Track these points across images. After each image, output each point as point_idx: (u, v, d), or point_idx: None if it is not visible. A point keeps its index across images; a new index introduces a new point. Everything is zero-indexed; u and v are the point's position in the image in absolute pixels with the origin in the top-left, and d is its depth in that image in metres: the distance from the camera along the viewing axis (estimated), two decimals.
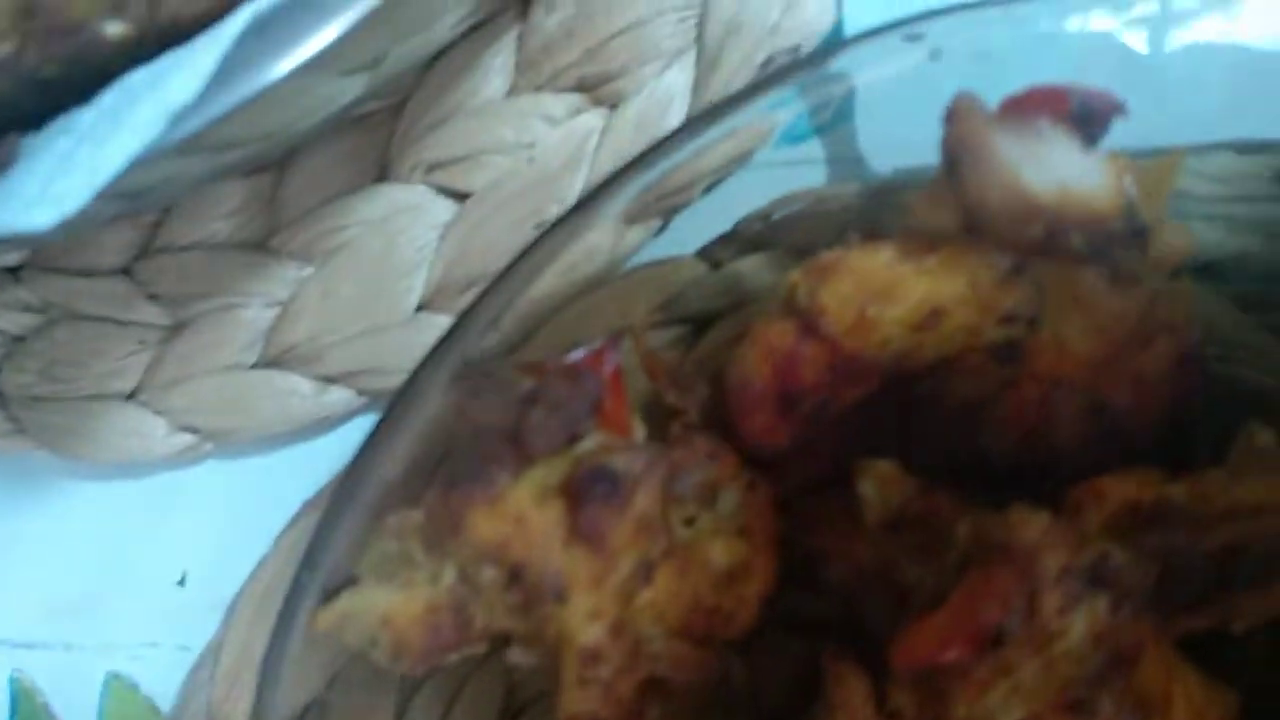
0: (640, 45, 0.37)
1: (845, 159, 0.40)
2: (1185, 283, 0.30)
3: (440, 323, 0.38)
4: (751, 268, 0.37)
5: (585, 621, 0.26)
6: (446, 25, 0.35)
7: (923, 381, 0.30)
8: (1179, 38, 0.32)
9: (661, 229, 0.39)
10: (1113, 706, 0.23)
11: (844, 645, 0.27)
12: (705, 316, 0.37)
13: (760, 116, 0.33)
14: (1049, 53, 0.30)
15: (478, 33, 0.38)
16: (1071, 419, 0.29)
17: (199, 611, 0.41)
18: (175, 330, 0.39)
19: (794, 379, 0.28)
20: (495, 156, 0.38)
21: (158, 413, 0.40)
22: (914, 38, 0.26)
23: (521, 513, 0.25)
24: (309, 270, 0.39)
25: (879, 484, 0.29)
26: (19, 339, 0.40)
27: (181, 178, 0.34)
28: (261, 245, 0.39)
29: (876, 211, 0.34)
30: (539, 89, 0.38)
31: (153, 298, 0.40)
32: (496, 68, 0.38)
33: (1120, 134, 0.28)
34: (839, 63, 0.31)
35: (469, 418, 0.26)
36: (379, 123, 0.39)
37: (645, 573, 0.26)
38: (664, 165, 0.30)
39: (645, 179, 0.30)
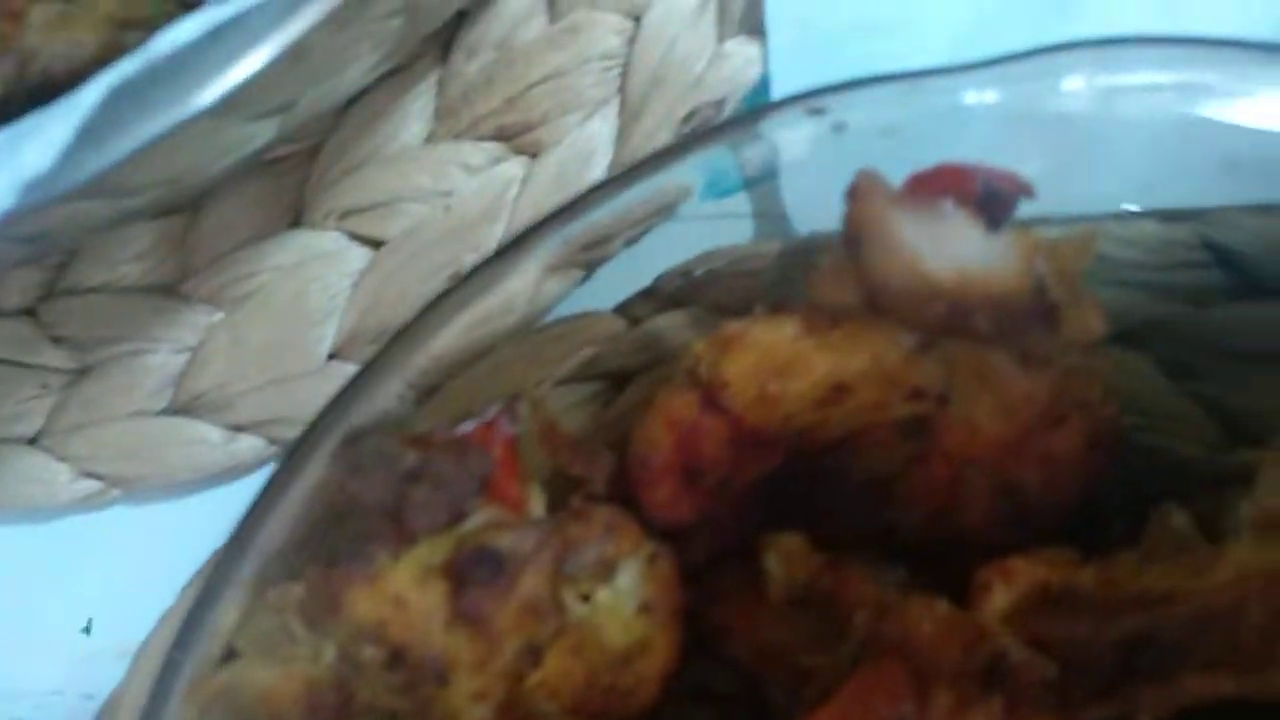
0: (562, 94, 0.37)
1: (771, 215, 0.39)
2: (1101, 358, 0.29)
3: (351, 372, 0.37)
4: (670, 325, 0.36)
5: (470, 703, 0.25)
6: (360, 70, 0.35)
7: (829, 456, 0.29)
8: (1105, 109, 0.32)
9: (584, 279, 0.38)
10: None
11: None
12: (622, 374, 0.36)
13: (682, 174, 0.32)
14: (969, 123, 0.29)
15: (395, 78, 0.37)
16: (981, 498, 0.29)
17: (105, 659, 0.40)
18: (80, 374, 0.39)
19: (696, 452, 0.28)
20: (411, 204, 0.37)
21: (61, 459, 0.39)
22: (816, 111, 0.26)
23: (401, 593, 0.24)
24: (219, 316, 0.38)
25: (784, 558, 0.28)
26: None
27: (85, 221, 0.33)
28: (171, 290, 0.38)
29: (793, 274, 0.33)
30: (458, 136, 0.37)
31: (57, 340, 0.38)
32: (415, 114, 0.37)
33: (1044, 200, 0.28)
34: (759, 126, 0.30)
35: (350, 493, 0.25)
36: (293, 167, 0.38)
37: (533, 656, 0.25)
38: (585, 220, 0.29)
39: (564, 233, 0.29)
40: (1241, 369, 0.34)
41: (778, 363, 0.27)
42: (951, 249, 0.25)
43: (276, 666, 0.25)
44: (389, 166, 0.37)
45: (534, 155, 0.37)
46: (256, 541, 0.25)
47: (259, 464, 0.39)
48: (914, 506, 0.29)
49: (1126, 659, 0.25)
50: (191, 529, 0.40)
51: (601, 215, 0.31)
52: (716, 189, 0.38)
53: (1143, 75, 0.30)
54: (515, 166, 0.37)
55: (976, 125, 0.29)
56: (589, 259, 0.36)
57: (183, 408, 0.38)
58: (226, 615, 0.26)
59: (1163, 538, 0.27)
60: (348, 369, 0.37)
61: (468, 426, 0.26)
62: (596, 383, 0.36)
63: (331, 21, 0.24)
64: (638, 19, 0.37)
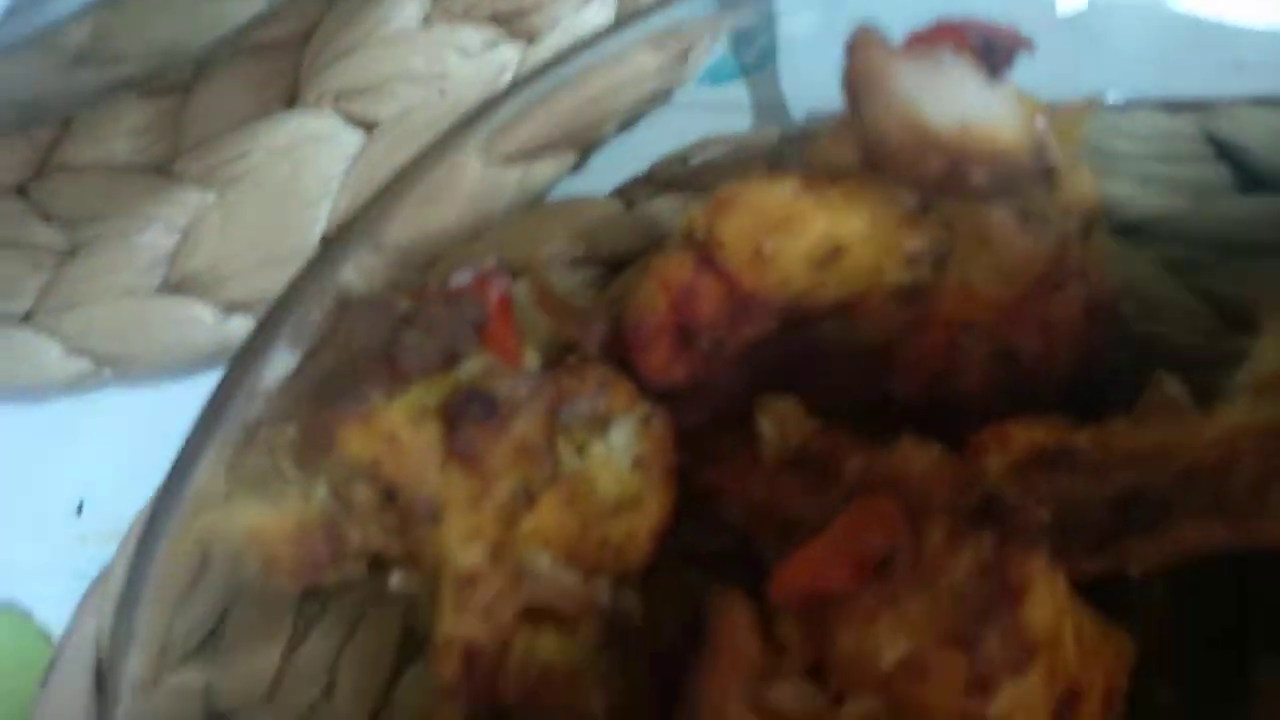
0: None
1: (770, 105, 0.39)
2: (1102, 237, 0.29)
3: None
4: (666, 209, 0.36)
5: (462, 543, 0.25)
6: None
7: (825, 323, 0.29)
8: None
9: (578, 166, 0.38)
10: (998, 643, 0.22)
11: (733, 581, 0.26)
12: (618, 258, 0.36)
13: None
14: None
15: None
16: (978, 364, 0.29)
17: (96, 540, 0.40)
18: (72, 253, 0.38)
19: (691, 313, 0.28)
20: (406, 87, 0.37)
21: (52, 337, 0.38)
22: None
23: (395, 432, 0.24)
24: (211, 196, 0.38)
25: (778, 421, 0.28)
26: None
27: (73, 91, 0.33)
28: (163, 169, 0.38)
29: (791, 159, 0.33)
30: (454, 20, 0.37)
31: (48, 218, 0.38)
32: None
33: (1048, 90, 0.27)
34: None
35: (344, 336, 0.25)
36: (287, 49, 0.37)
37: (526, 498, 0.25)
38: (562, 75, 0.29)
39: (542, 89, 0.29)
40: (1240, 261, 0.34)
41: (774, 220, 0.26)
42: (951, 100, 0.25)
43: (267, 506, 0.25)
44: (384, 49, 0.37)
45: (530, 40, 0.37)
46: (246, 383, 0.25)
47: None
48: (910, 374, 0.29)
49: (1118, 514, 0.25)
50: (184, 412, 0.40)
51: (579, 67, 0.31)
52: (714, 76, 0.38)
53: None
54: (511, 51, 0.37)
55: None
56: (584, 139, 0.36)
57: (175, 287, 0.38)
58: (209, 474, 0.26)
59: (1156, 404, 0.27)
60: None
61: (462, 279, 0.26)
62: (593, 268, 0.36)
63: None
64: None
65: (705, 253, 0.27)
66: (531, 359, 0.28)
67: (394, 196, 0.30)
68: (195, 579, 0.32)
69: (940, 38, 0.26)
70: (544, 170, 0.35)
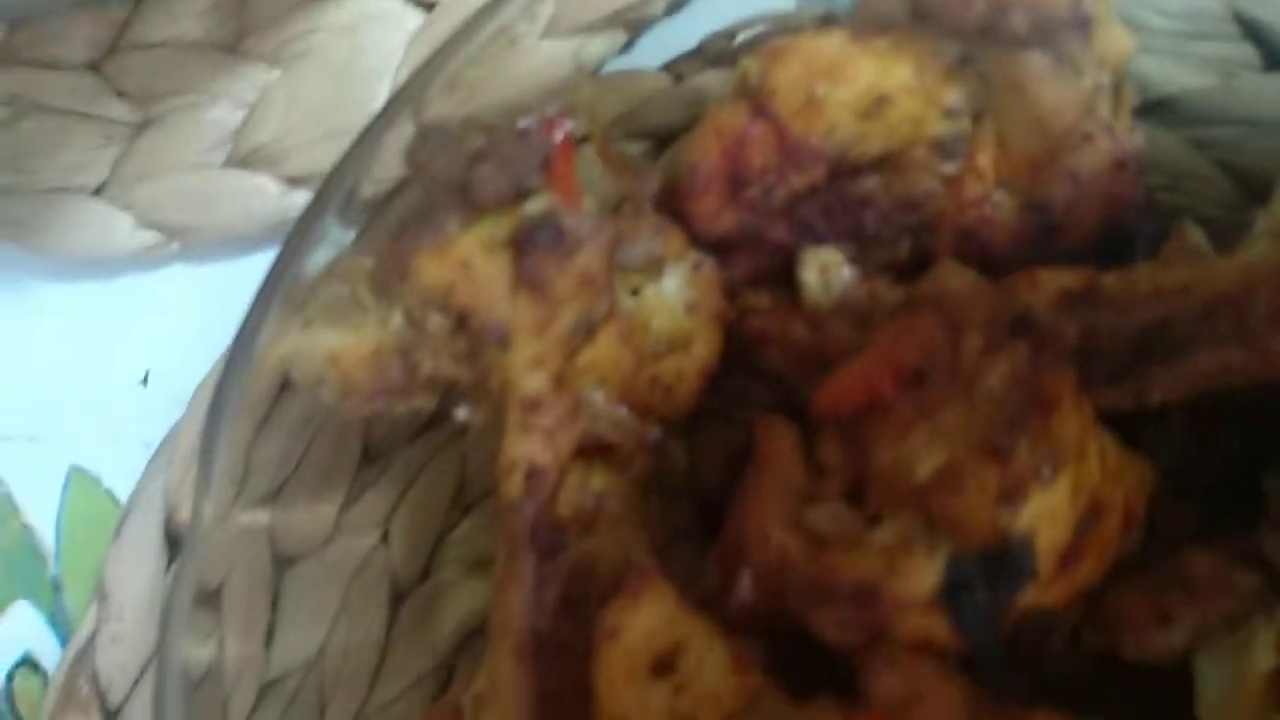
0: None
1: None
2: (1130, 92, 0.30)
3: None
4: (714, 82, 0.38)
5: (528, 369, 0.27)
6: None
7: (868, 177, 0.30)
8: None
9: (627, 46, 0.39)
10: (1029, 451, 0.24)
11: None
12: (667, 131, 0.38)
13: None
14: None
15: None
16: (1010, 217, 0.30)
17: (161, 409, 0.42)
18: (142, 127, 0.40)
19: (742, 161, 0.29)
20: None
21: (123, 208, 0.40)
22: None
23: (468, 259, 0.26)
24: (276, 74, 0.40)
25: (820, 271, 0.30)
26: None
27: None
28: (231, 47, 0.40)
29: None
30: None
31: (120, 94, 0.40)
32: None
33: None
34: None
35: (419, 170, 0.26)
36: None
37: (587, 328, 0.27)
38: None
39: None
40: (1263, 138, 0.36)
41: (824, 67, 0.28)
42: None
43: (346, 332, 0.27)
44: None
45: None
46: (324, 217, 0.27)
47: None
48: (946, 227, 0.30)
49: (1141, 346, 0.27)
50: (246, 287, 0.42)
51: None
52: None
53: None
54: None
55: None
56: (633, 18, 0.37)
57: (240, 160, 0.40)
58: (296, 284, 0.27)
59: (1179, 249, 0.28)
60: None
61: (529, 122, 0.27)
62: (642, 140, 0.38)
63: None
64: None
65: (758, 100, 0.28)
66: (589, 207, 0.29)
67: (442, 69, 0.31)
68: (265, 422, 0.34)
69: None
70: (596, 46, 0.37)
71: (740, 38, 0.38)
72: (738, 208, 0.30)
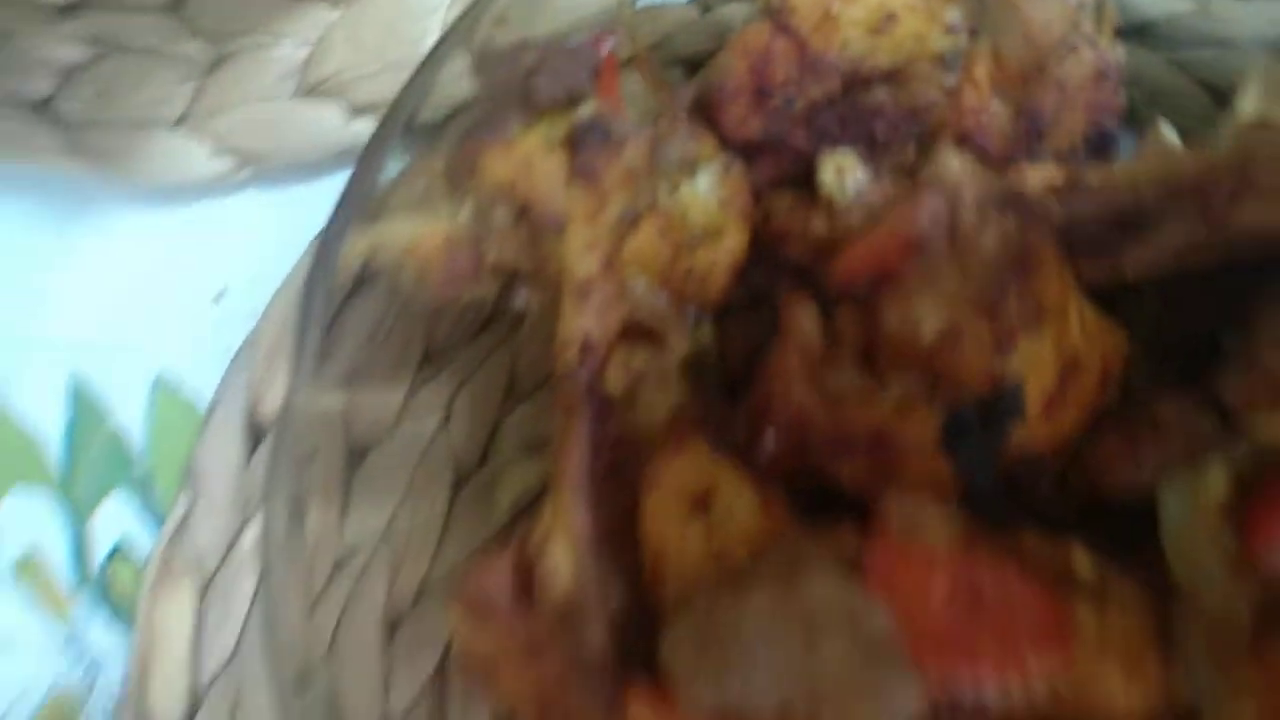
0: None
1: None
2: (1109, 7, 0.34)
3: None
4: (738, 13, 0.41)
5: (581, 254, 0.31)
6: None
7: (878, 89, 0.34)
8: None
9: None
10: (1017, 307, 0.28)
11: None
12: (695, 59, 0.42)
13: None
14: None
15: None
16: (1004, 122, 0.34)
17: (236, 321, 0.46)
18: (216, 64, 0.44)
19: (766, 75, 0.33)
20: None
21: (200, 138, 0.44)
22: None
23: (529, 156, 0.30)
24: (337, 14, 0.44)
25: (837, 172, 0.34)
26: (73, 69, 0.45)
27: None
28: None
29: None
30: None
31: (195, 34, 0.44)
32: None
33: None
34: None
35: (483, 80, 0.30)
36: None
37: (632, 218, 0.31)
38: None
39: None
40: (1236, 58, 0.39)
41: None
42: None
43: (422, 224, 0.31)
44: None
45: None
46: (400, 124, 0.31)
47: None
48: (946, 132, 0.34)
49: (1117, 227, 0.30)
50: (314, 210, 0.45)
51: None
52: None
53: None
54: None
55: None
56: None
57: (307, 92, 0.44)
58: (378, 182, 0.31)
59: (1153, 144, 0.32)
60: None
61: (578, 38, 0.31)
62: (673, 68, 0.42)
63: None
64: None
65: (780, 18, 0.32)
66: (631, 116, 0.33)
67: (490, 6, 0.35)
68: (343, 316, 0.38)
69: None
70: None
71: None
72: (762, 116, 0.34)
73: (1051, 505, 0.31)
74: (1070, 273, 0.29)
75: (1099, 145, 0.34)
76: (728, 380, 0.36)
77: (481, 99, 0.31)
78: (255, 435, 0.44)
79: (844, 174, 0.34)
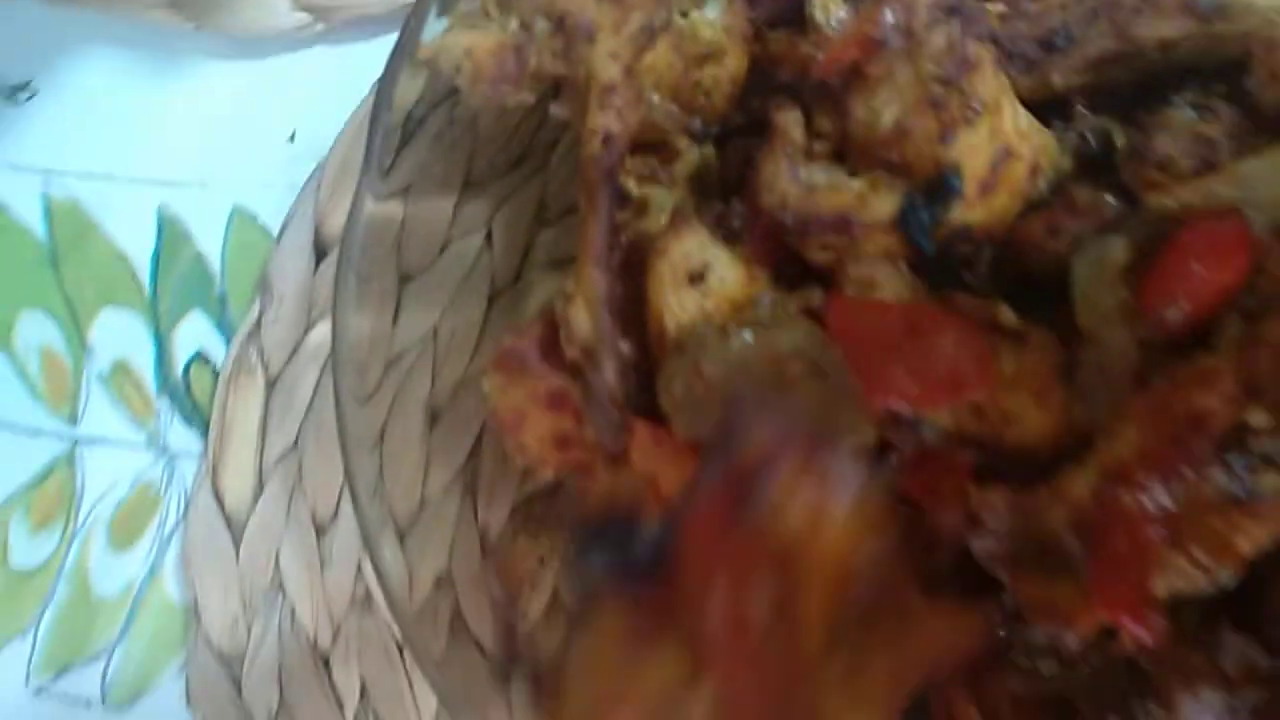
0: None
1: None
2: None
3: None
4: None
5: (607, 60, 0.37)
6: None
7: None
8: None
9: None
10: (958, 102, 0.34)
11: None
12: None
13: None
14: None
15: None
16: None
17: (305, 160, 0.53)
18: None
19: None
20: None
21: None
22: None
23: None
24: None
25: (823, 8, 0.40)
26: None
27: None
28: None
29: None
30: None
31: None
32: None
33: None
34: None
35: None
36: None
37: (650, 32, 0.37)
38: None
39: None
40: None
41: None
42: None
43: (476, 33, 0.38)
44: None
45: None
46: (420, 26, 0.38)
47: None
48: None
49: (1046, 43, 0.37)
50: (377, 65, 0.52)
51: None
52: None
53: None
54: None
55: None
56: None
57: None
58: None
59: None
60: None
61: None
62: None
63: None
64: None
65: None
66: None
67: None
68: (402, 140, 0.45)
69: None
70: None
71: None
72: None
73: (986, 282, 0.37)
74: (1006, 78, 0.36)
75: None
76: (725, 192, 0.43)
77: None
78: (321, 250, 0.51)
79: (829, 10, 0.40)
